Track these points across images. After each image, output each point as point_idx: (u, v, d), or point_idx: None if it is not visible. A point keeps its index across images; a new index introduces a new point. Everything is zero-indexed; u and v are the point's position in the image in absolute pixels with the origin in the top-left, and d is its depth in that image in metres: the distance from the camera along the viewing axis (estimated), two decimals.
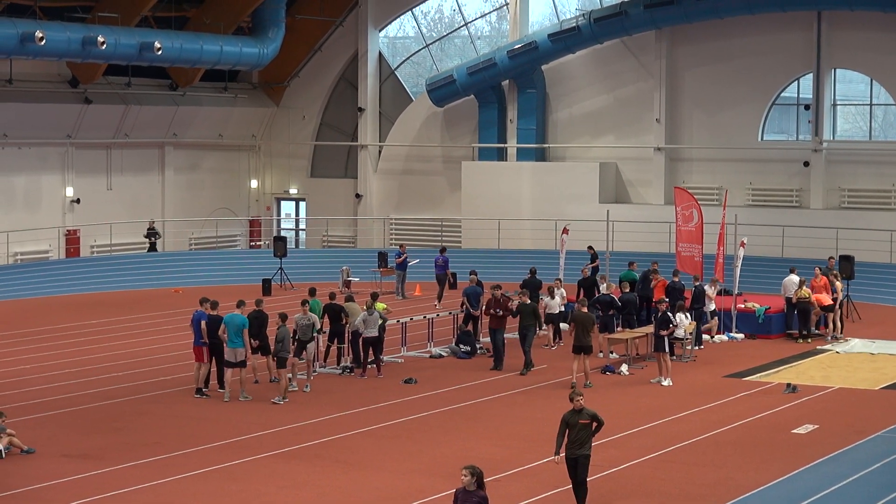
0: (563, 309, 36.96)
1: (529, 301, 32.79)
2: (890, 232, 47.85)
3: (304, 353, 30.25)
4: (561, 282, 38.11)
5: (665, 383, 30.74)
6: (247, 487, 21.66)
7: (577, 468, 19.84)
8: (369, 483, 21.99)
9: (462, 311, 36.01)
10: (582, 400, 19.86)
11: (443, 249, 48.24)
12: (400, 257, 47.83)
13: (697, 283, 36.93)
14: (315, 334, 30.57)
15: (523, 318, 32.10)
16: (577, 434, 19.79)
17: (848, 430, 25.99)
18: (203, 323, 29.38)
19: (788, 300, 37.78)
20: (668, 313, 31.54)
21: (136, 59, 49.68)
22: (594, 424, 19.90)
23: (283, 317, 29.65)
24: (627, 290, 36.57)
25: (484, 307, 33.83)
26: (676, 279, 37.11)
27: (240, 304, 30.26)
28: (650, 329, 33.89)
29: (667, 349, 31.20)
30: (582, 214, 50.66)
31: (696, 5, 50.38)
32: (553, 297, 36.49)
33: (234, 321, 29.12)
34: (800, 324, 37.58)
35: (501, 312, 32.61)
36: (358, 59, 59.15)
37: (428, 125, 58.07)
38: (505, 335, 33.12)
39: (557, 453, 19.93)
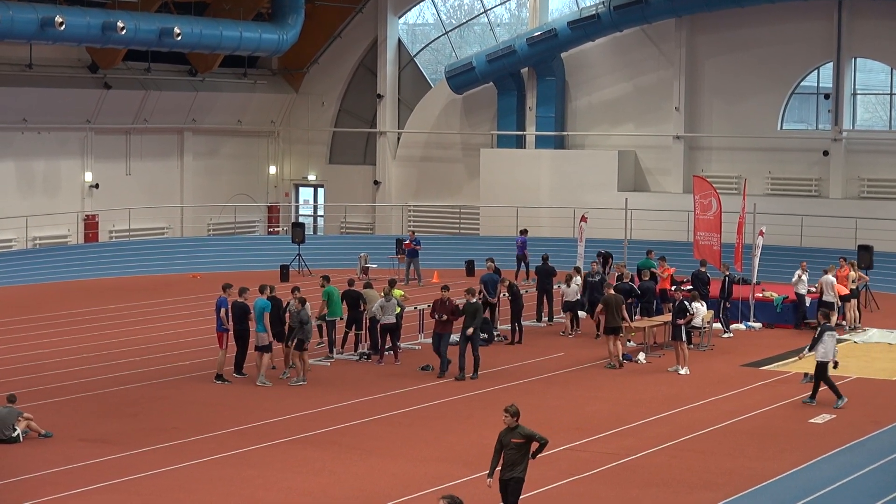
0: (579, 297, 37.01)
1: (475, 300, 30.57)
2: None
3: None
4: (579, 270, 38.13)
5: (682, 372, 30.72)
6: (263, 473, 21.71)
7: (507, 492, 17.74)
8: (386, 470, 22.01)
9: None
10: (509, 418, 17.75)
11: (523, 231, 47.82)
12: (408, 242, 47.76)
13: (728, 273, 36.82)
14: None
15: (466, 318, 30.08)
16: (509, 455, 17.69)
17: (865, 420, 25.95)
18: (223, 310, 29.42)
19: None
20: (685, 302, 31.48)
21: (155, 44, 49.72)
22: (535, 445, 17.83)
23: (303, 301, 29.73)
24: (647, 279, 36.55)
25: (430, 310, 31.65)
26: (703, 269, 37.03)
27: (262, 288, 30.22)
28: (668, 317, 33.96)
29: (684, 338, 31.16)
30: (600, 202, 50.63)
31: None
32: (570, 286, 36.48)
33: (256, 306, 29.26)
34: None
35: (446, 317, 30.38)
36: (377, 46, 59.11)
37: (447, 112, 58.04)
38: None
39: (490, 475, 17.87)
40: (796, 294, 37.51)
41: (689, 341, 32.40)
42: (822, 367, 27.12)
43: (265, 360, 29.33)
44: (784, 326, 37.65)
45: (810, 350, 27.39)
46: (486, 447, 23.31)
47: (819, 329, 27.34)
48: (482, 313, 30.87)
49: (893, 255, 46.23)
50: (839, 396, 27.23)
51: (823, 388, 27.64)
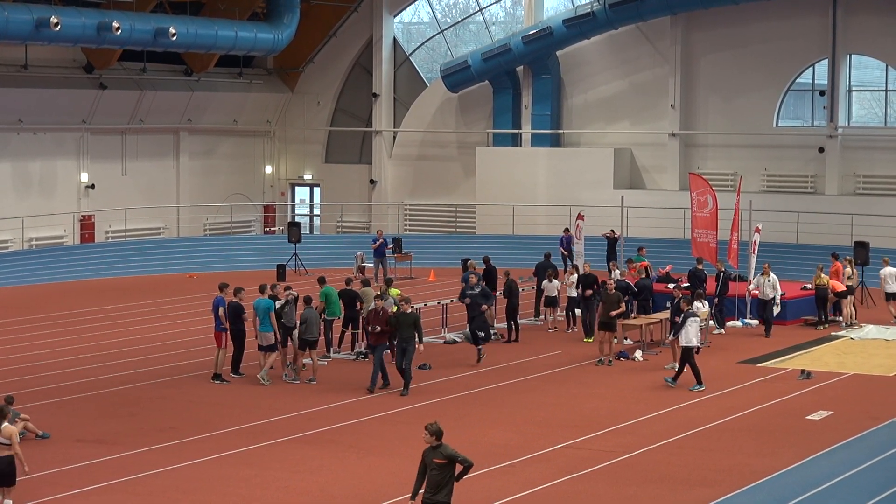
0: (575, 294, 37.01)
1: (411, 310, 28.71)
2: None
3: (290, 339, 30.17)
4: (577, 268, 38.07)
5: (669, 367, 30.68)
6: (261, 473, 21.71)
7: None
8: (384, 468, 22.01)
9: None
10: (429, 437, 16.70)
11: (566, 230, 47.48)
12: (376, 243, 47.54)
13: (723, 269, 36.78)
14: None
15: (402, 329, 28.14)
16: (433, 476, 16.54)
17: (862, 416, 25.96)
18: (221, 309, 29.41)
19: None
20: (682, 300, 31.40)
21: (151, 44, 49.70)
22: (458, 467, 16.66)
23: (308, 300, 29.75)
24: (644, 276, 36.52)
25: (363, 321, 30.17)
26: (700, 267, 36.97)
27: (262, 288, 30.20)
28: (664, 315, 34.04)
29: (673, 334, 31.09)
30: (597, 200, 50.60)
31: None
32: (551, 282, 36.52)
33: (260, 305, 29.17)
34: (819, 310, 37.48)
35: (379, 329, 28.43)
36: (373, 45, 59.13)
37: (442, 111, 58.04)
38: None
39: (413, 497, 16.77)
40: (761, 300, 36.39)
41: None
42: (687, 351, 28.53)
43: (270, 358, 29.23)
44: (781, 323, 37.63)
45: (674, 336, 28.89)
46: (483, 445, 23.39)
47: (683, 315, 28.74)
48: (420, 322, 28.77)
49: (889, 251, 46.14)
50: (699, 382, 28.54)
51: (819, 385, 27.65)
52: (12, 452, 18.95)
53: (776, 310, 36.42)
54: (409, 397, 27.78)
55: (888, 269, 38.29)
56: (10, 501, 19.29)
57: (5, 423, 19.09)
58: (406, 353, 28.14)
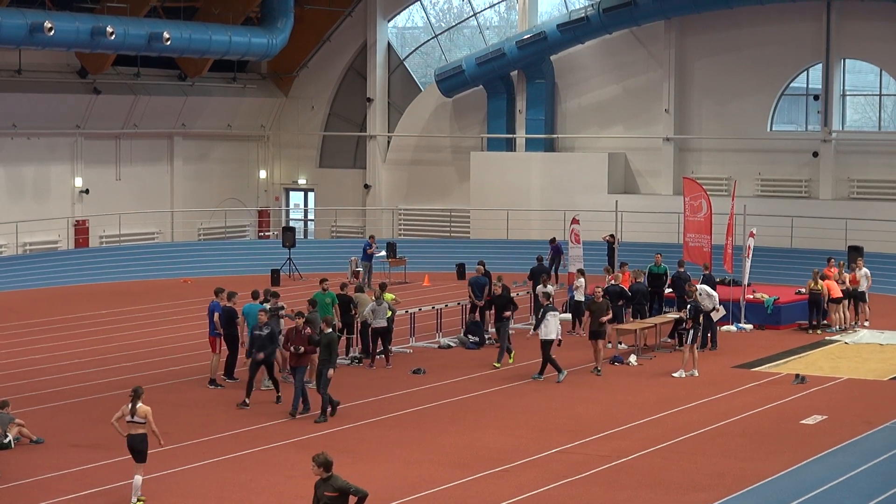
0: (581, 298, 36.93)
1: (330, 329, 26.71)
2: None
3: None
4: (583, 272, 37.92)
5: (676, 375, 30.66)
6: (256, 477, 21.69)
7: None
8: (378, 473, 22.00)
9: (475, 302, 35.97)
10: (317, 469, 15.97)
11: (553, 240, 47.21)
12: (370, 248, 47.41)
13: (706, 272, 36.74)
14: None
15: (321, 351, 26.34)
16: None
17: (857, 420, 25.98)
18: (216, 315, 29.39)
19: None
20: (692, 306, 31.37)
21: (144, 49, 49.67)
22: (352, 500, 15.92)
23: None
24: (640, 280, 36.45)
25: (283, 341, 27.95)
26: (682, 270, 36.87)
27: (255, 294, 30.21)
28: (659, 319, 34.04)
29: (688, 341, 31.03)
30: (591, 205, 50.61)
31: None
32: (546, 287, 36.47)
33: (252, 312, 29.11)
34: (811, 315, 37.50)
35: (303, 349, 26.58)
36: (367, 50, 59.12)
37: (437, 115, 58.04)
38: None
39: None
40: (707, 315, 33.98)
41: (681, 342, 32.47)
42: (545, 344, 29.84)
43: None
44: (775, 327, 37.69)
45: (535, 330, 30.26)
46: (478, 449, 23.41)
47: (542, 310, 30.11)
48: (337, 345, 26.98)
49: (883, 255, 46.30)
50: (559, 371, 29.97)
51: (813, 390, 27.62)
52: (145, 430, 20.22)
53: (717, 314, 34.88)
54: (405, 401, 27.77)
55: (864, 271, 38.64)
56: (140, 476, 20.10)
57: (140, 403, 20.25)
58: (321, 376, 26.16)
